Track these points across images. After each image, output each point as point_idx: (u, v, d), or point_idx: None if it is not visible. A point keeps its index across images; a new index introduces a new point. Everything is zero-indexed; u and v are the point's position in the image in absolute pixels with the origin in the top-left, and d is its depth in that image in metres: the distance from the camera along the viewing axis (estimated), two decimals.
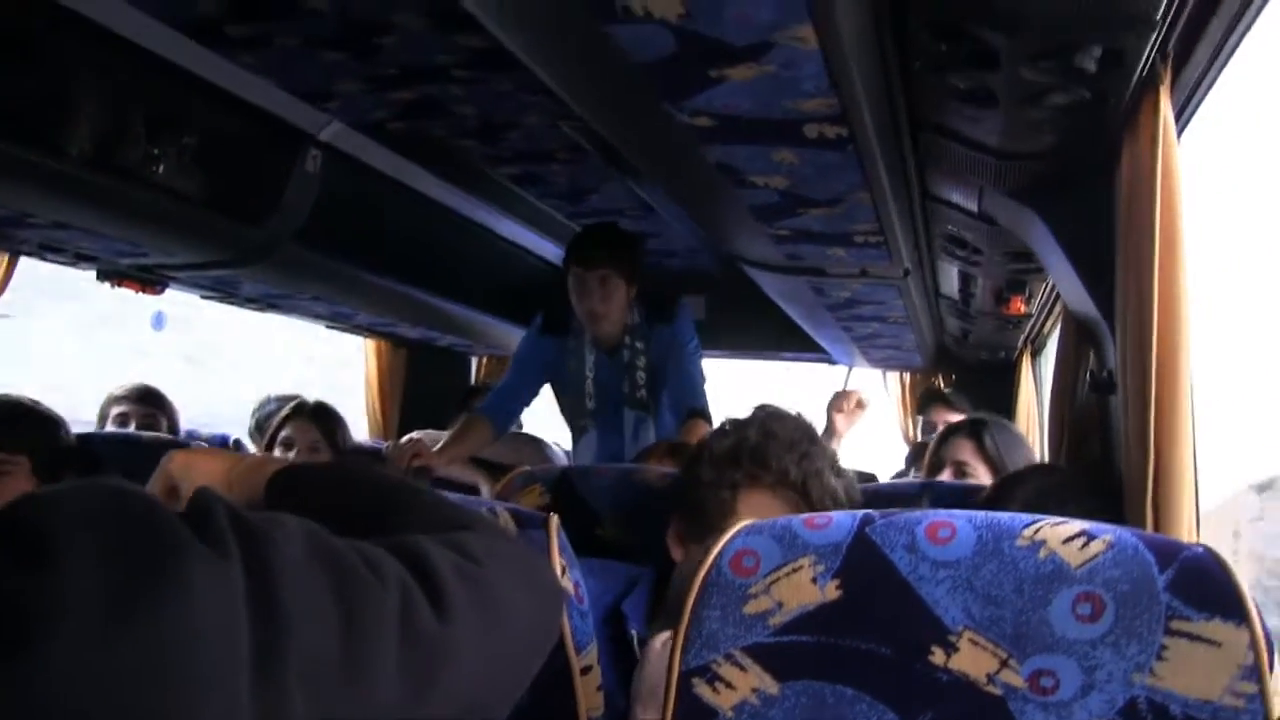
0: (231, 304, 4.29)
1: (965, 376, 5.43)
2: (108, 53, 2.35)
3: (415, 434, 4.10)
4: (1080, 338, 2.23)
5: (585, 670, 1.41)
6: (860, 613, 1.16)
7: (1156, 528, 1.66)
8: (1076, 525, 1.16)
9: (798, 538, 1.20)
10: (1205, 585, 1.08)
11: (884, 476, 4.50)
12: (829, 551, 1.18)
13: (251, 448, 4.33)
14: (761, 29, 1.38)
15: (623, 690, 1.86)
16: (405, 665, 0.82)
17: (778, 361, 6.11)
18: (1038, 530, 1.15)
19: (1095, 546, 1.12)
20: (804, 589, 1.17)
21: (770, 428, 1.89)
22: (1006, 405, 4.84)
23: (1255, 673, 1.04)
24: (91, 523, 0.68)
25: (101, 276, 3.53)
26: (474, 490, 3.74)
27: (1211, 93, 1.78)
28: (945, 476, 2.66)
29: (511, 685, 1.01)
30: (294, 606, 0.74)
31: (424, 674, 0.84)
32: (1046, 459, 2.67)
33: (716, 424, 2.06)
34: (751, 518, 1.76)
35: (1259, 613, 1.08)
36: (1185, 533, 1.66)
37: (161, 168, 2.67)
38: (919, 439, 5.27)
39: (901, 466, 4.84)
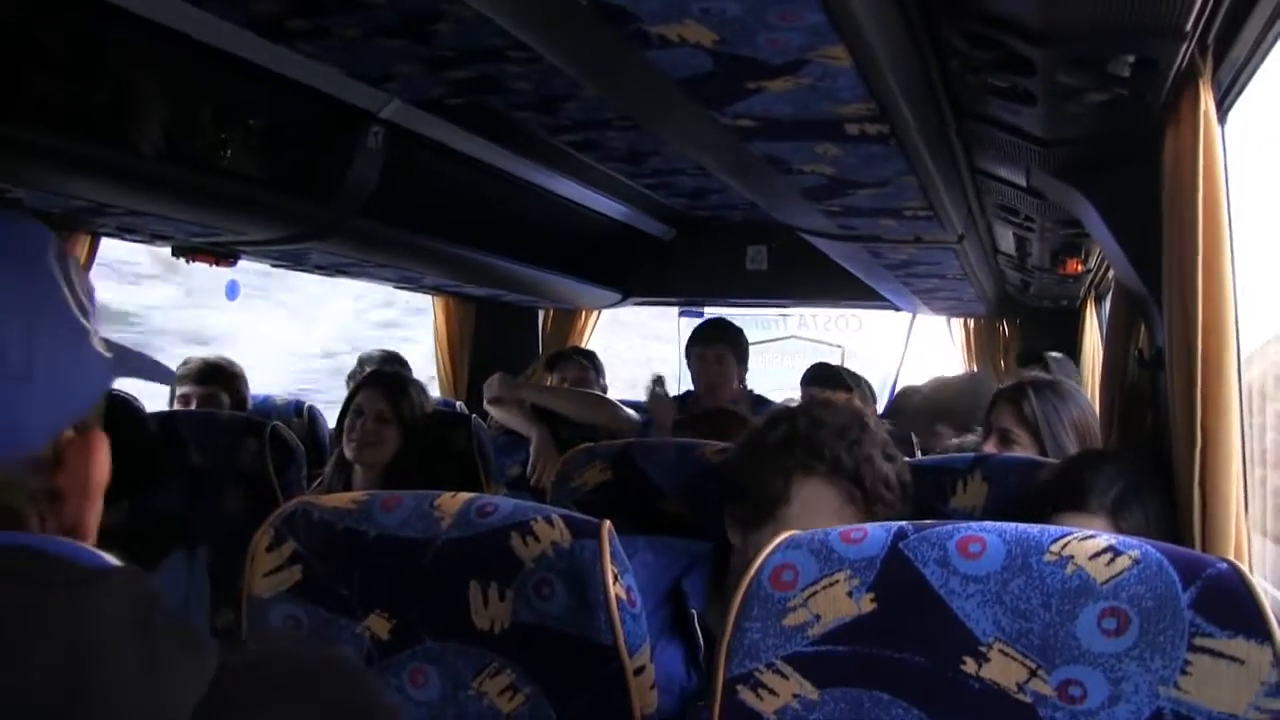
0: (301, 270, 4.39)
1: (1030, 322, 5.40)
2: (172, 51, 2.42)
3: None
4: (1131, 310, 2.22)
5: (639, 671, 1.48)
6: (894, 624, 1.20)
7: (1204, 511, 1.67)
8: (1103, 540, 1.19)
9: (834, 552, 1.25)
10: (1228, 603, 1.11)
11: None
12: (864, 566, 1.23)
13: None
14: (794, 50, 1.41)
15: (686, 665, 1.92)
16: None
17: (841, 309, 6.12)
18: (1065, 545, 1.19)
19: (1121, 562, 1.16)
20: (840, 602, 1.22)
21: (820, 416, 1.89)
22: (1074, 348, 4.83)
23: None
24: None
25: (177, 253, 3.63)
26: (526, 440, 3.88)
27: (1259, 74, 1.77)
28: (991, 444, 2.64)
29: None
30: None
31: None
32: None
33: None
34: (805, 506, 1.80)
35: None
36: (1232, 515, 1.67)
37: (229, 153, 2.76)
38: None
39: None
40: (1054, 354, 4.93)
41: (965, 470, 2.22)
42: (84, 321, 0.87)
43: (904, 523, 1.28)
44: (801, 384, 4.48)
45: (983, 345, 5.87)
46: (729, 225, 5.26)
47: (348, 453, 3.19)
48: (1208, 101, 1.57)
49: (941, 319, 6.02)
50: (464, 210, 3.91)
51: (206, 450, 3.05)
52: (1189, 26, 1.34)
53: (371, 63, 2.65)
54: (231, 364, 4.16)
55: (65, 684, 0.66)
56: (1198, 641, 1.11)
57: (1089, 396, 2.89)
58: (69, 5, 2.14)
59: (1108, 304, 4.44)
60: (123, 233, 3.37)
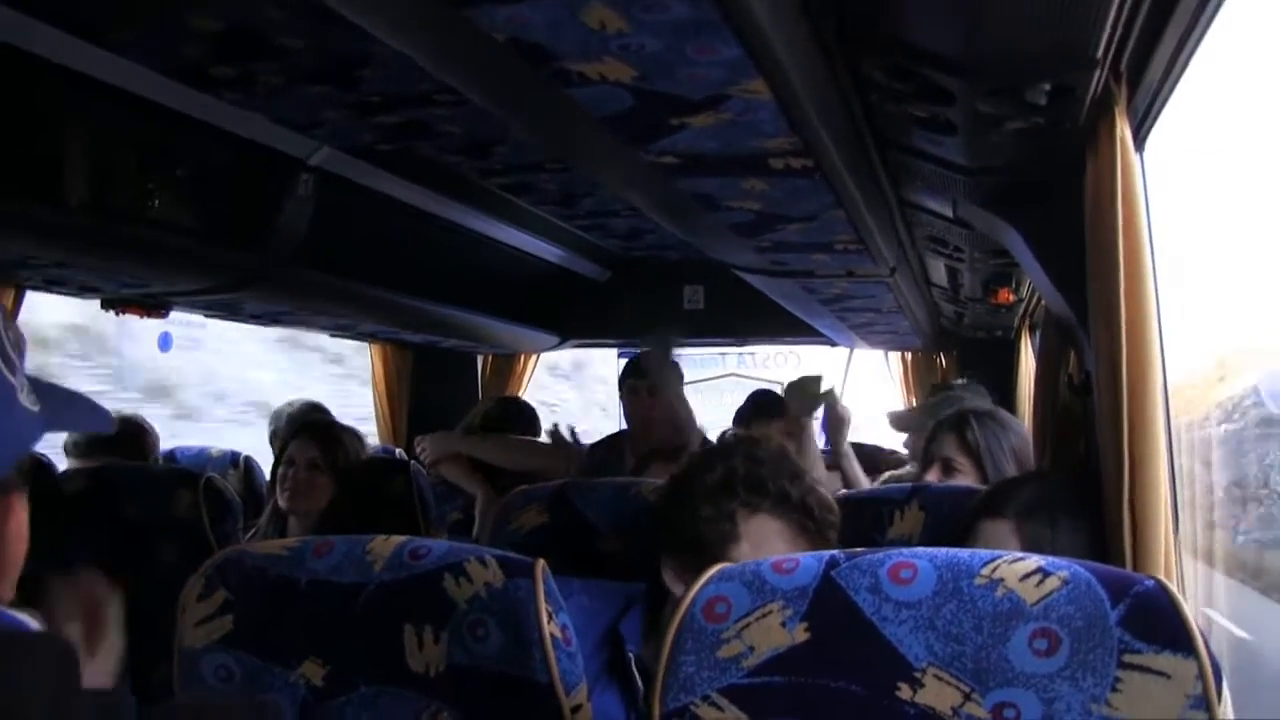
0: (235, 320, 4.35)
1: (966, 353, 5.44)
2: (95, 100, 2.39)
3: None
4: (1061, 337, 2.24)
5: (575, 709, 1.46)
6: (829, 653, 1.20)
7: (1134, 531, 1.68)
8: (1033, 561, 1.20)
9: (766, 583, 1.24)
10: (1155, 619, 1.13)
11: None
12: (796, 595, 1.23)
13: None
14: (714, 84, 1.42)
15: (625, 710, 1.91)
16: None
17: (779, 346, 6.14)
18: (995, 568, 1.20)
19: (1050, 583, 1.17)
20: (774, 632, 1.22)
21: (754, 453, 1.89)
22: (1010, 379, 4.87)
23: (1204, 702, 1.09)
24: None
25: (106, 305, 3.57)
26: (471, 499, 3.85)
27: (1173, 97, 1.81)
28: (934, 473, 2.66)
29: None
30: None
31: None
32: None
33: None
34: (756, 543, 1.79)
35: (1206, 643, 1.12)
36: (1161, 535, 1.68)
37: (157, 203, 2.72)
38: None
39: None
40: (960, 380, 4.97)
41: (903, 500, 2.23)
42: (10, 378, 0.85)
43: (836, 551, 1.28)
44: (739, 421, 4.30)
45: (920, 378, 5.90)
46: (665, 265, 5.28)
47: (281, 502, 3.19)
48: (1124, 128, 1.60)
49: (879, 353, 6.07)
50: (398, 256, 3.89)
51: (140, 503, 3.00)
52: (1099, 54, 1.36)
53: (298, 109, 2.63)
54: (130, 422, 3.96)
55: None
56: (1127, 658, 1.12)
57: (1024, 423, 2.93)
58: None
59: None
60: (50, 285, 3.32)
